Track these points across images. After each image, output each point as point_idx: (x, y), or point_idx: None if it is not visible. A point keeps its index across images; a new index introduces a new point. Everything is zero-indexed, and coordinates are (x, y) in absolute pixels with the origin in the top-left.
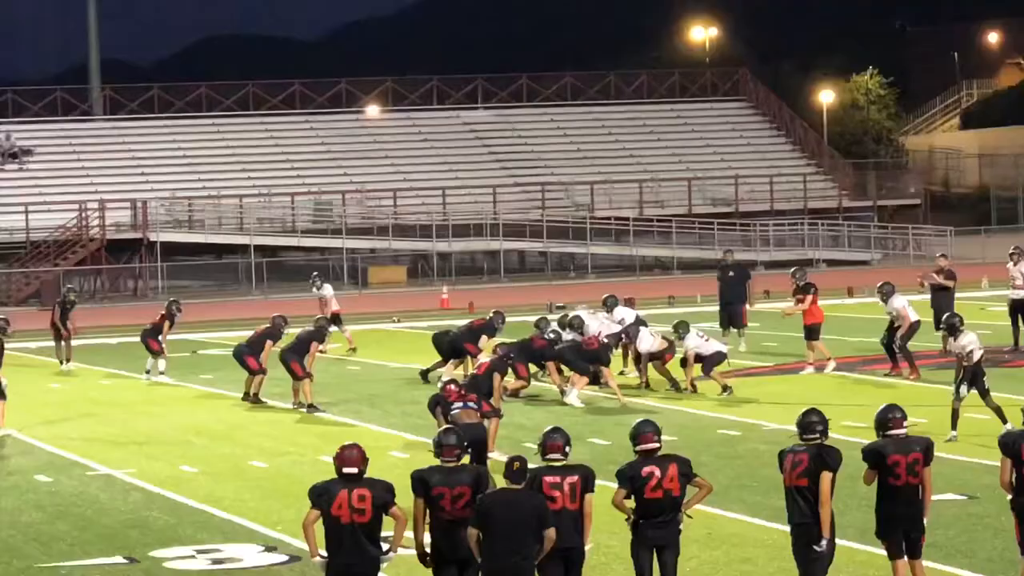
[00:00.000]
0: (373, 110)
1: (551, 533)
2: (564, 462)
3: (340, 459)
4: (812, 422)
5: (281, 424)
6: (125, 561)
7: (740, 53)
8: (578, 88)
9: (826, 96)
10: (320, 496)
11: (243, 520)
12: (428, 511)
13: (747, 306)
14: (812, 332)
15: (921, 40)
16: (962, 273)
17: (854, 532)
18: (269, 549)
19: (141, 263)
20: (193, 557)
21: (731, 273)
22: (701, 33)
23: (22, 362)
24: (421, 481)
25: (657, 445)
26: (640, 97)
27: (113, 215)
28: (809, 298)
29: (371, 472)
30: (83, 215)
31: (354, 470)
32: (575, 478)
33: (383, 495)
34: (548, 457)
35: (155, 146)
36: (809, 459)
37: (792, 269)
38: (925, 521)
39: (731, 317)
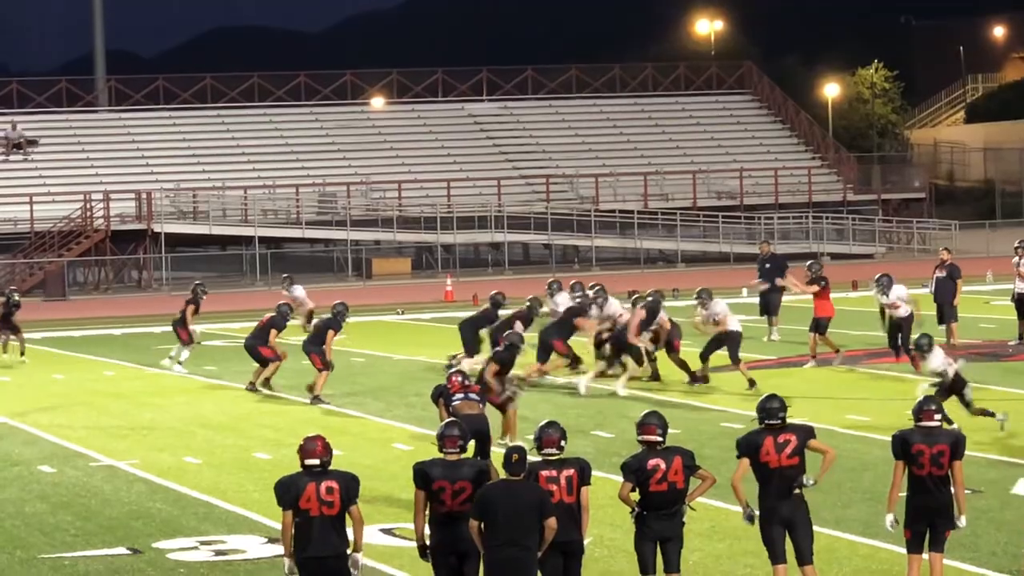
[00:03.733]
0: (378, 102)
1: (552, 523)
2: (560, 456)
3: (302, 451)
4: (775, 408)
5: (285, 415)
6: (128, 552)
7: (745, 46)
8: (583, 81)
9: (831, 90)
10: (287, 491)
11: (246, 511)
12: (428, 504)
13: (782, 296)
14: (819, 325)
15: (926, 34)
16: (966, 267)
17: (858, 526)
18: (272, 541)
19: (145, 254)
20: (196, 548)
21: (767, 264)
22: (706, 26)
23: (26, 352)
24: (422, 474)
25: (659, 439)
26: (645, 90)
27: (117, 206)
28: (815, 287)
29: (377, 464)
30: (87, 206)
31: (316, 462)
32: (571, 471)
33: (351, 485)
34: (544, 452)
35: (160, 137)
36: (798, 438)
37: (809, 262)
38: (963, 520)
39: (768, 305)
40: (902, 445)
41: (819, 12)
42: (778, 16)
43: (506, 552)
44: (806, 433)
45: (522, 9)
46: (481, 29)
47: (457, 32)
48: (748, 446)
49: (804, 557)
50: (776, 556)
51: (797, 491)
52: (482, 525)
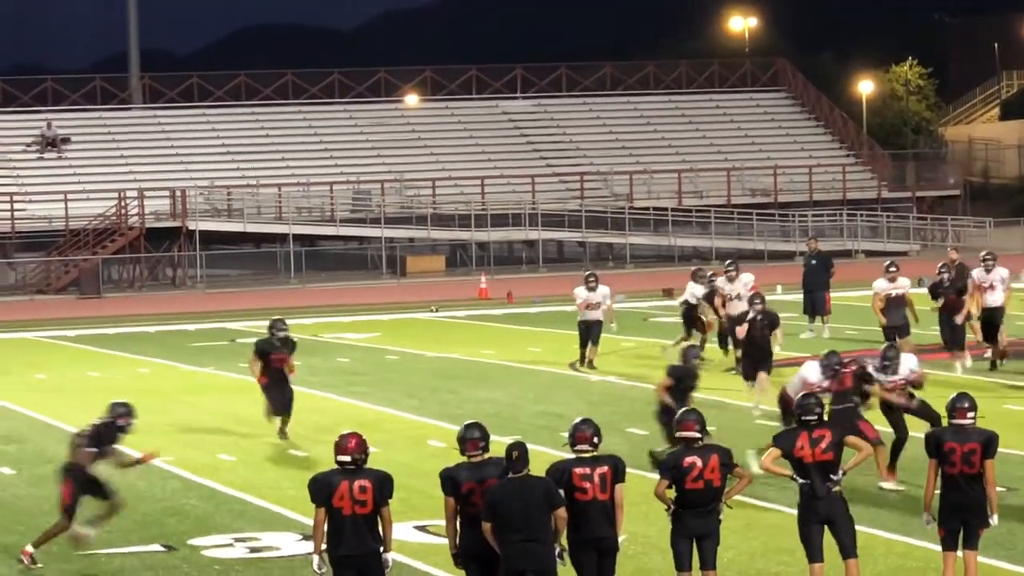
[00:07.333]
0: (412, 99)
1: (562, 512)
2: (593, 453)
3: (336, 447)
4: (811, 404)
5: (319, 412)
6: (163, 549)
7: (779, 43)
8: (617, 78)
9: (865, 86)
10: (321, 489)
11: (281, 508)
12: (459, 508)
13: (830, 293)
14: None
15: (960, 30)
16: (1001, 264)
17: (893, 523)
18: (307, 538)
19: (180, 252)
20: (231, 545)
21: (813, 261)
22: (740, 23)
23: (61, 350)
24: (451, 479)
25: (697, 435)
26: (679, 87)
27: (152, 204)
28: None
29: (411, 461)
30: (122, 203)
31: (347, 458)
32: (605, 468)
33: (385, 485)
34: (577, 448)
35: (194, 135)
36: (833, 433)
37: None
38: (995, 519)
39: (814, 304)
40: (935, 443)
41: (853, 9)
42: (812, 13)
43: (521, 547)
44: (843, 429)
45: (556, 6)
46: (515, 26)
47: (491, 29)
48: (782, 440)
49: (848, 551)
50: (813, 555)
51: (835, 488)
52: (494, 526)
